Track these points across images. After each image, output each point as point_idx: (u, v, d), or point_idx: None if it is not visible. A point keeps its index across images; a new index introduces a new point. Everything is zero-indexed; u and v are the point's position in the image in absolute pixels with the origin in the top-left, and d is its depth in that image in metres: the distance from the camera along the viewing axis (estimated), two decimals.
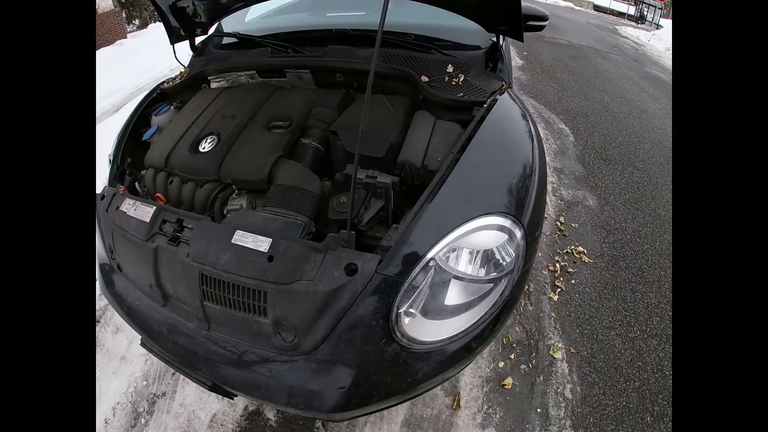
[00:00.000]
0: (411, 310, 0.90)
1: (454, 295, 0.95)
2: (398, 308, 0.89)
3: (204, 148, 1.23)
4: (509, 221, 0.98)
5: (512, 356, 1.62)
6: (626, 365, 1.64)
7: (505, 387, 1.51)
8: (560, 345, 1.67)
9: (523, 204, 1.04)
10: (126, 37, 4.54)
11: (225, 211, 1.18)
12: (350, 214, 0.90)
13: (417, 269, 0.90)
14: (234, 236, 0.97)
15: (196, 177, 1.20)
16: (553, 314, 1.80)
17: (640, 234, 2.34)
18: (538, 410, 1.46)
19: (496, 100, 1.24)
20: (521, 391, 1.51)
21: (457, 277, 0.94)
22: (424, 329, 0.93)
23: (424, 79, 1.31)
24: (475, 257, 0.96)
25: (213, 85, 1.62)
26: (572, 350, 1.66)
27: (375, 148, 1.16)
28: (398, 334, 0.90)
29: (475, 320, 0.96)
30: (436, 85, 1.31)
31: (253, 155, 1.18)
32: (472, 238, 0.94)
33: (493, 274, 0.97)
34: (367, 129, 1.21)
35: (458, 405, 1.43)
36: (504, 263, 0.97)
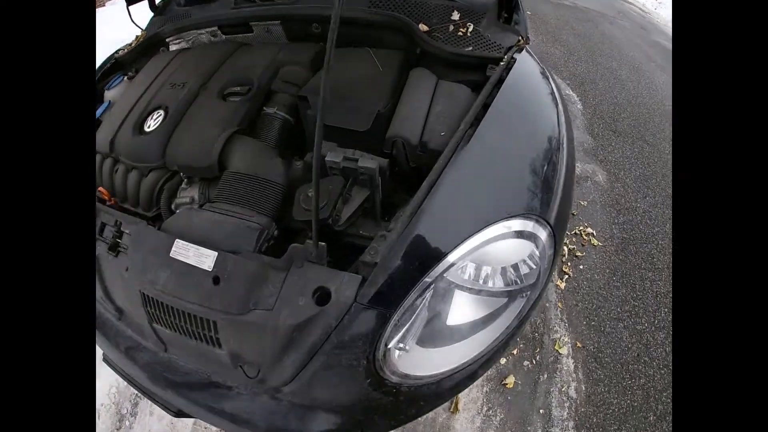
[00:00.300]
0: (403, 345, 0.67)
1: (459, 314, 0.71)
2: (386, 344, 0.66)
3: (149, 127, 0.93)
4: (533, 223, 0.72)
5: (515, 352, 1.43)
6: (632, 360, 1.45)
7: (507, 386, 1.33)
8: (566, 339, 1.48)
9: (551, 190, 0.77)
10: (104, 5, 3.95)
11: (173, 206, 0.91)
12: (315, 218, 0.61)
13: (412, 296, 0.65)
14: (173, 247, 0.70)
15: (139, 164, 0.92)
16: (560, 304, 1.59)
17: (650, 215, 2.08)
18: (541, 411, 1.29)
19: (515, 58, 0.93)
20: (523, 390, 1.34)
21: (462, 288, 0.69)
22: (420, 362, 0.70)
23: (423, 27, 0.99)
24: (490, 269, 0.71)
25: (172, 48, 1.28)
26: (578, 345, 1.47)
27: (356, 118, 0.86)
28: (387, 372, 0.67)
29: (483, 347, 0.73)
30: (438, 35, 0.98)
31: (201, 133, 0.88)
32: (487, 251, 0.69)
33: (513, 283, 0.72)
34: (346, 93, 0.88)
35: (456, 408, 1.26)
36: (525, 274, 0.72)
